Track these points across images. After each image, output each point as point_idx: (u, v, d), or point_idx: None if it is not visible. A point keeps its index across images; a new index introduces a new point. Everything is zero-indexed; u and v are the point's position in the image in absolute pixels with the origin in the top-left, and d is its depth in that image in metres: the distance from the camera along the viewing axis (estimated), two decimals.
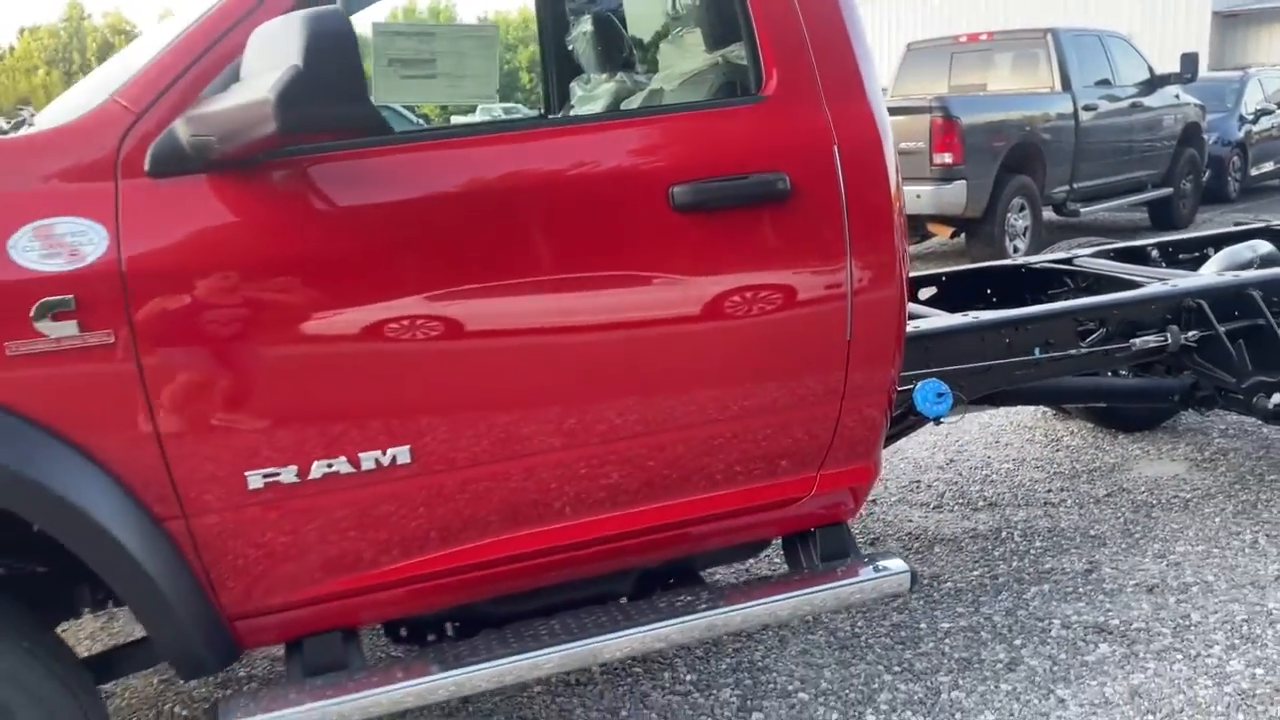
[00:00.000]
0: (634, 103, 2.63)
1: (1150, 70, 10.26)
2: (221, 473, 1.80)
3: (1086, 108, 9.24)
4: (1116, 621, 2.87)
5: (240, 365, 1.79)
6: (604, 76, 3.04)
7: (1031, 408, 4.71)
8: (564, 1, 3.18)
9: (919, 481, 4.02)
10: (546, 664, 2.04)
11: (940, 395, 2.48)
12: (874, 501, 3.83)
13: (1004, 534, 3.50)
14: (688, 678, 2.71)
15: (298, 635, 2.00)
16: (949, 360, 2.74)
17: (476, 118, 8.26)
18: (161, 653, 1.89)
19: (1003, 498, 3.82)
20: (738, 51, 2.24)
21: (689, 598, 2.21)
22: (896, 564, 2.29)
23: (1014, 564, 3.27)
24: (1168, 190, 10.36)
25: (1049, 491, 3.85)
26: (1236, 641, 2.74)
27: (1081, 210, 9.45)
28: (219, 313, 1.76)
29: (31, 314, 1.66)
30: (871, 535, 3.54)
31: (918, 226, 8.37)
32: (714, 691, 2.64)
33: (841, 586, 2.23)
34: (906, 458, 4.28)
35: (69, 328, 1.68)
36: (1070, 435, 4.46)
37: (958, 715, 2.49)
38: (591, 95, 3.04)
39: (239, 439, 1.80)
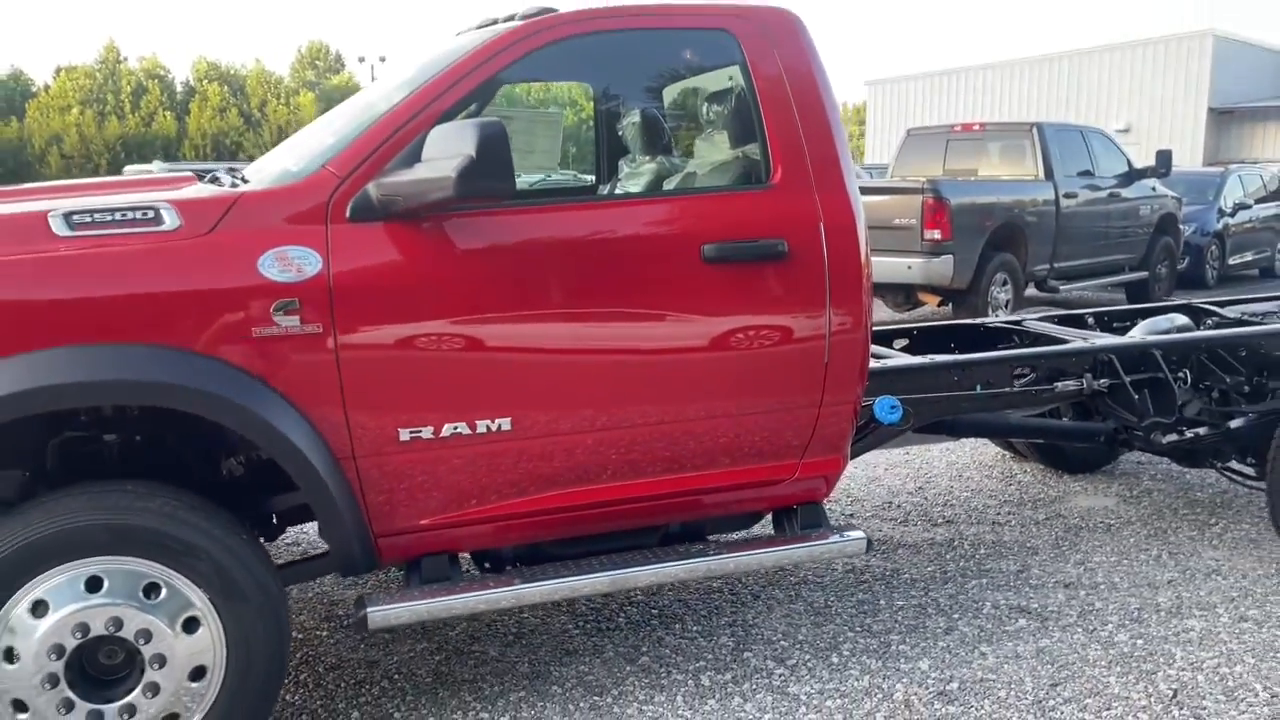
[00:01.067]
0: (673, 182, 3.44)
1: (1129, 163, 11.19)
2: (382, 428, 2.59)
3: (1067, 195, 10.15)
4: (1036, 606, 3.62)
5: (400, 354, 2.58)
6: (646, 158, 3.87)
7: (994, 450, 5.50)
8: (620, 98, 4.02)
9: (891, 503, 4.78)
10: (598, 584, 2.81)
11: (893, 408, 3.26)
12: (852, 516, 4.59)
13: (956, 543, 4.26)
14: (694, 628, 3.46)
15: (418, 554, 2.77)
16: (908, 391, 3.53)
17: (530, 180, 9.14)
18: (333, 551, 2.65)
19: (959, 517, 4.59)
20: (754, 150, 3.06)
21: (699, 548, 2.99)
22: (856, 534, 3.07)
23: (961, 564, 4.02)
24: (1144, 274, 11.22)
25: (998, 515, 4.62)
26: (1127, 622, 3.49)
27: (1061, 288, 10.30)
28: (390, 316, 2.56)
29: (271, 309, 2.46)
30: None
31: (909, 294, 9.21)
32: (714, 638, 3.39)
33: (814, 546, 3.01)
34: (883, 485, 5.04)
35: (293, 320, 2.48)
36: (1023, 474, 5.23)
37: (901, 659, 3.23)
38: (637, 172, 3.85)
39: (396, 405, 2.58)
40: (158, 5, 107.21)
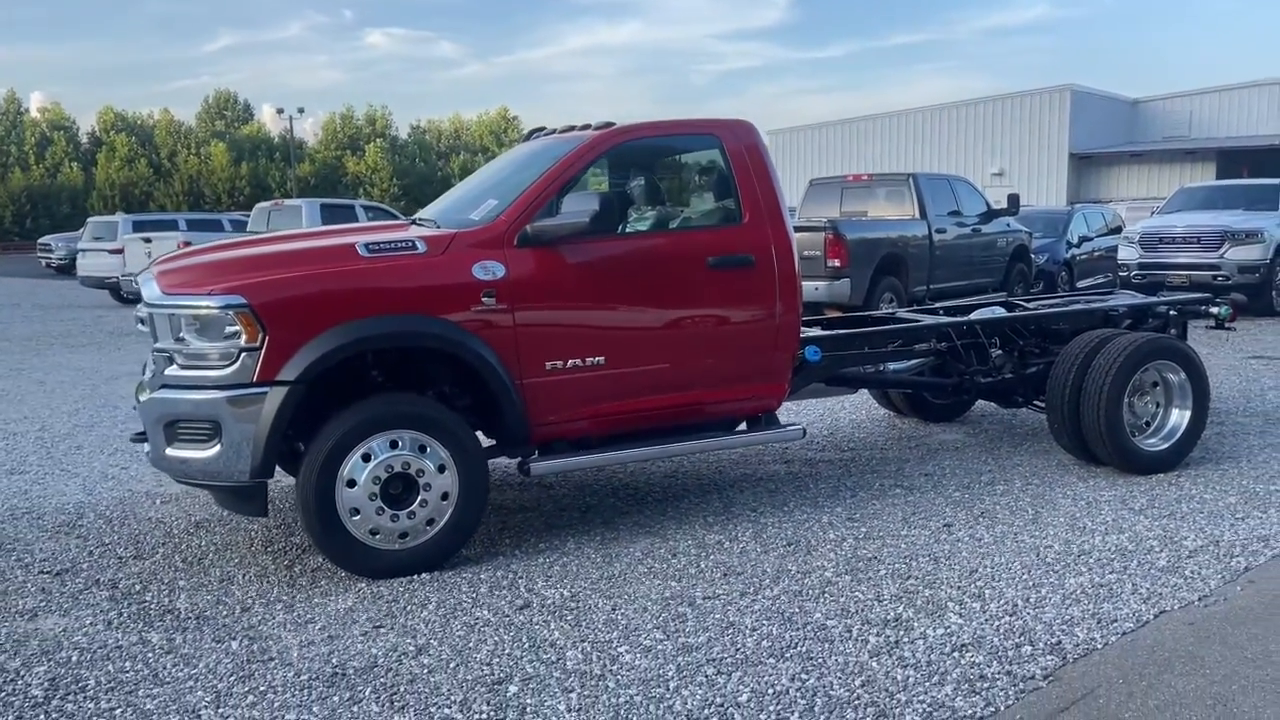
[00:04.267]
0: (675, 223, 5.54)
1: (988, 204, 13.78)
2: (537, 361, 4.60)
3: (939, 231, 12.63)
4: (906, 484, 5.79)
5: (543, 320, 4.61)
6: (643, 208, 5.97)
7: (882, 411, 7.72)
8: (629, 167, 6.11)
9: (813, 443, 6.94)
10: (648, 455, 4.90)
11: (815, 352, 5.41)
12: (790, 448, 6.72)
13: (856, 459, 6.43)
14: (695, 499, 5.54)
15: (552, 438, 4.78)
16: (823, 345, 5.69)
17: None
18: (509, 440, 4.64)
19: (858, 446, 6.77)
20: (731, 203, 5.19)
21: (704, 437, 5.09)
22: (797, 427, 5.20)
23: (859, 467, 6.18)
24: (1002, 294, 13.75)
25: (884, 445, 6.81)
26: (962, 487, 5.67)
27: (936, 305, 12.74)
28: (541, 300, 4.60)
29: (481, 295, 4.49)
30: (789, 459, 6.43)
31: (819, 309, 11.50)
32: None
33: (771, 432, 5.14)
34: (817, 434, 7.21)
35: (492, 301, 4.50)
36: (901, 423, 7.46)
37: (824, 508, 5.35)
38: (643, 217, 5.96)
39: (542, 348, 4.61)
40: (57, 55, 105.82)
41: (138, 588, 4.35)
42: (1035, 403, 6.44)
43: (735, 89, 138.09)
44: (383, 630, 3.83)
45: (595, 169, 5.18)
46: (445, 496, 4.42)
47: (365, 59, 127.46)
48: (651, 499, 5.58)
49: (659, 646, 3.62)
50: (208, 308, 4.21)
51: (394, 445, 4.33)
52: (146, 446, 4.52)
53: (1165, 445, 5.87)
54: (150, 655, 3.65)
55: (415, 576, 4.36)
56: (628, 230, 5.12)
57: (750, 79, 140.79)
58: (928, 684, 3.30)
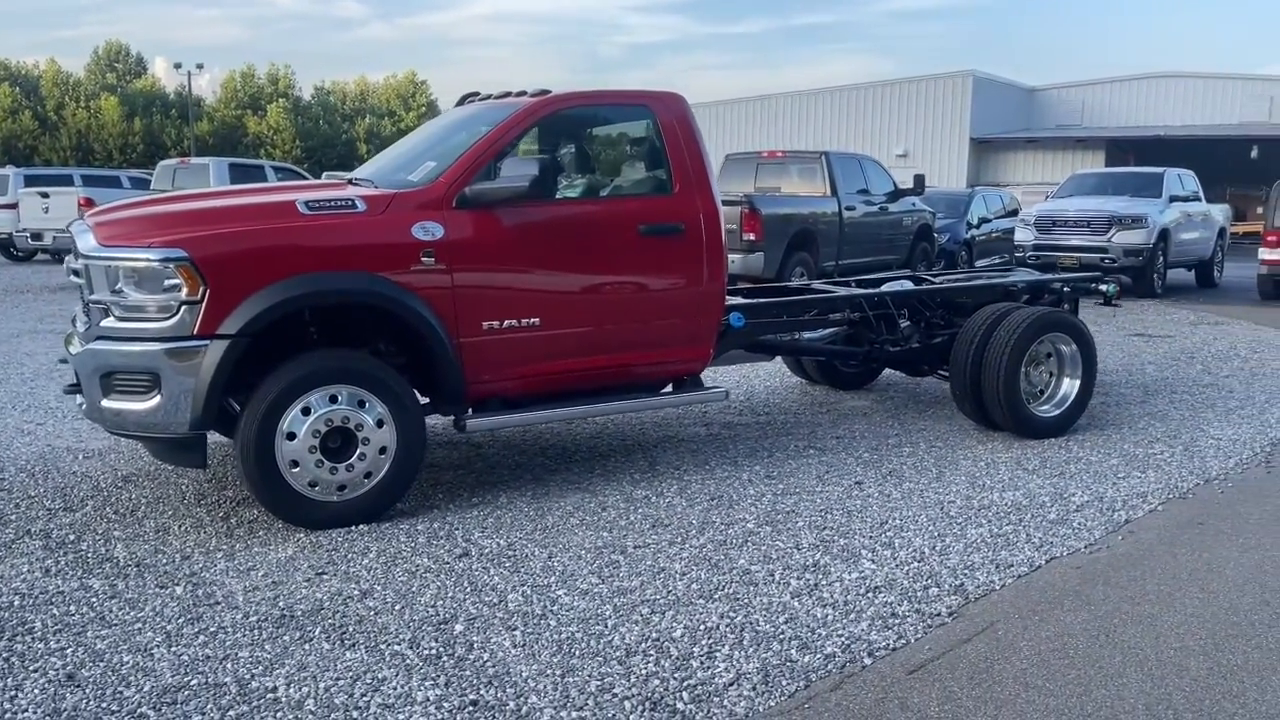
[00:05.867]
0: (607, 191, 5.70)
1: (894, 184, 14.26)
2: (474, 321, 4.74)
3: (848, 208, 13.04)
4: (818, 446, 6.09)
5: (480, 281, 4.74)
6: (578, 175, 6.12)
7: (796, 379, 8.05)
8: (561, 135, 6.24)
9: (731, 408, 7.21)
10: (585, 412, 5.10)
11: (738, 319, 5.66)
12: (709, 411, 6.98)
13: (771, 422, 6.72)
14: (622, 460, 5.75)
15: (487, 397, 4.92)
16: (746, 312, 5.94)
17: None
18: (445, 397, 4.76)
19: (773, 411, 7.07)
20: (662, 173, 5.38)
21: (633, 397, 5.29)
22: (720, 389, 5.46)
23: (774, 430, 6.48)
24: (907, 270, 14.29)
25: (797, 410, 7.13)
26: (870, 449, 6.00)
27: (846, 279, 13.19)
28: (476, 258, 4.72)
29: (420, 255, 4.60)
30: (709, 421, 6.69)
31: (734, 281, 11.79)
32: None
33: (696, 394, 5.39)
34: (734, 400, 7.48)
35: (430, 261, 4.62)
36: (816, 390, 7.80)
37: (744, 467, 5.62)
38: (572, 184, 6.11)
39: (479, 308, 4.74)
40: None
41: (71, 538, 4.37)
42: (940, 371, 6.82)
43: (645, 61, 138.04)
44: (325, 576, 3.96)
45: (529, 136, 5.30)
46: (383, 451, 4.54)
47: (265, 15, 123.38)
48: (579, 457, 5.77)
49: (595, 590, 3.83)
50: (147, 260, 4.23)
51: (333, 400, 4.43)
52: (79, 398, 4.52)
53: (1057, 412, 6.30)
54: (95, 600, 3.72)
55: (354, 528, 4.48)
56: (562, 196, 5.27)
57: (660, 52, 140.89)
58: (845, 620, 3.58)
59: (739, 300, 6.19)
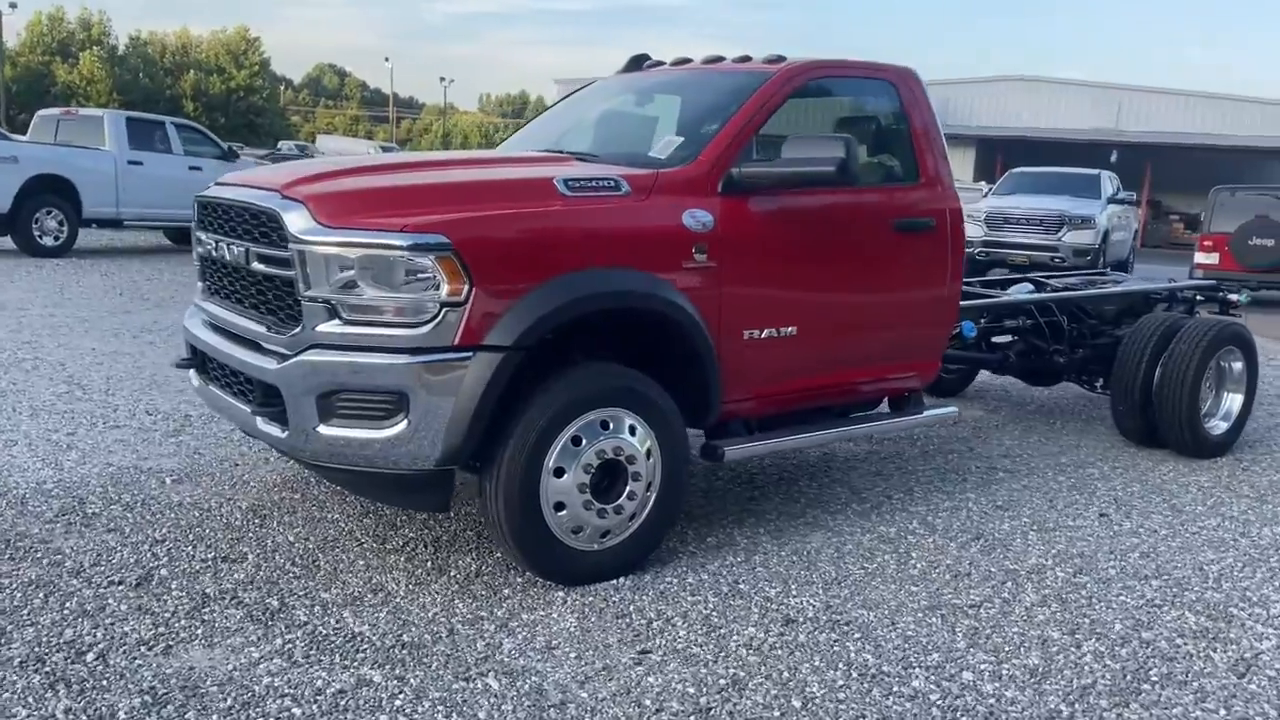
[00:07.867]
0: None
1: None
2: (735, 327, 3.94)
3: None
4: (999, 467, 5.59)
5: (748, 281, 3.96)
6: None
7: None
8: (802, 111, 5.38)
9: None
10: (834, 437, 4.40)
11: (970, 326, 5.08)
12: None
13: (905, 439, 6.17)
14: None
15: (729, 419, 4.14)
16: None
17: None
18: (696, 421, 3.95)
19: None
20: (908, 159, 4.61)
21: (875, 419, 4.63)
22: (951, 409, 4.84)
23: (932, 450, 5.93)
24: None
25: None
26: (1062, 475, 5.54)
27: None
28: (745, 254, 3.93)
29: (692, 249, 3.77)
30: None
31: None
32: (832, 490, 5.03)
33: (933, 413, 4.75)
34: None
35: (703, 258, 3.80)
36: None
37: (922, 501, 5.05)
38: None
39: (744, 314, 3.95)
40: None
41: (273, 603, 3.36)
42: (1095, 384, 6.41)
43: (470, 31, 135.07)
44: (652, 657, 3.13)
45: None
46: (649, 486, 3.72)
47: None
48: (764, 484, 5.05)
49: (981, 665, 3.17)
50: (397, 247, 3.25)
51: (604, 427, 3.57)
52: (269, 425, 3.50)
53: (1226, 426, 6.00)
54: (404, 704, 2.78)
55: (615, 581, 3.65)
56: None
57: (485, 24, 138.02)
58: None
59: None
